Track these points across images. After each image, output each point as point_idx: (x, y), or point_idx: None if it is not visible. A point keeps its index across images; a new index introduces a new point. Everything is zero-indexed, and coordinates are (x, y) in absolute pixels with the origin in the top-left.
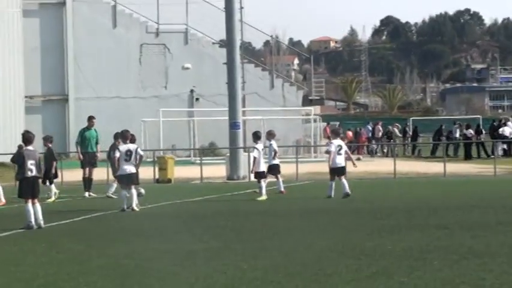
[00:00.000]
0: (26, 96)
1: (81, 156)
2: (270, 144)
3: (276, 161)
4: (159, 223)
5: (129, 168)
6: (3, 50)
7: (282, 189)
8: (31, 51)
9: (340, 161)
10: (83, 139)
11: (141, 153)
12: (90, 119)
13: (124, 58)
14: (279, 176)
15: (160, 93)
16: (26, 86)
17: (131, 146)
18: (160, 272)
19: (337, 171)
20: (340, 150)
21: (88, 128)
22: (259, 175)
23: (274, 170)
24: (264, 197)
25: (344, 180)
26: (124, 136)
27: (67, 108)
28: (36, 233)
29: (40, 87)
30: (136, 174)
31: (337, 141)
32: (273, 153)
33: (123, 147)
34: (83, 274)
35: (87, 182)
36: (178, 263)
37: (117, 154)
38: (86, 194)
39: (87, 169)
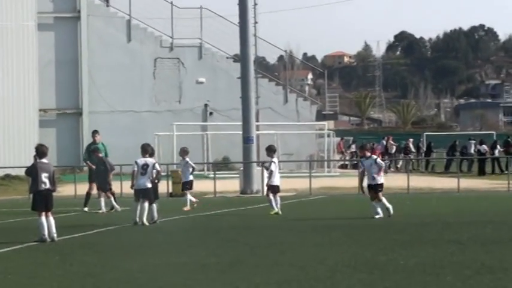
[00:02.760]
0: (40, 110)
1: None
2: (187, 162)
3: (191, 177)
4: (173, 237)
5: (144, 182)
6: (17, 63)
7: (188, 206)
8: (46, 64)
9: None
10: (90, 154)
11: (158, 168)
12: (94, 133)
13: (138, 72)
14: (188, 192)
15: (174, 107)
16: (40, 99)
17: (148, 160)
18: (174, 286)
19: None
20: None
21: (94, 143)
22: (273, 189)
23: (189, 185)
24: (276, 210)
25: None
26: (143, 150)
27: (81, 121)
28: (50, 246)
29: (54, 100)
30: (153, 189)
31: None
32: (190, 169)
33: (140, 160)
34: (96, 287)
35: (88, 197)
36: (191, 277)
37: (135, 168)
38: (86, 209)
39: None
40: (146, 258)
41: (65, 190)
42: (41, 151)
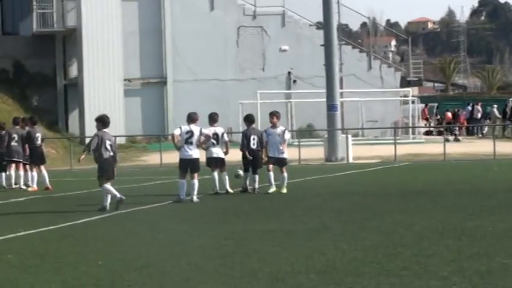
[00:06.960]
0: (124, 79)
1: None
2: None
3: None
4: (259, 204)
5: (217, 152)
6: (102, 34)
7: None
8: (130, 34)
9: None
10: None
11: (226, 138)
12: None
13: (221, 41)
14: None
15: (258, 75)
16: (124, 69)
17: (218, 130)
18: (261, 252)
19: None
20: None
21: None
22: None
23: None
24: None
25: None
26: (212, 119)
27: (165, 90)
28: (137, 214)
29: (139, 70)
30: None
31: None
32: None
33: (210, 129)
34: (184, 254)
35: None
36: (278, 244)
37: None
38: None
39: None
40: (232, 225)
41: (151, 159)
42: (108, 121)
